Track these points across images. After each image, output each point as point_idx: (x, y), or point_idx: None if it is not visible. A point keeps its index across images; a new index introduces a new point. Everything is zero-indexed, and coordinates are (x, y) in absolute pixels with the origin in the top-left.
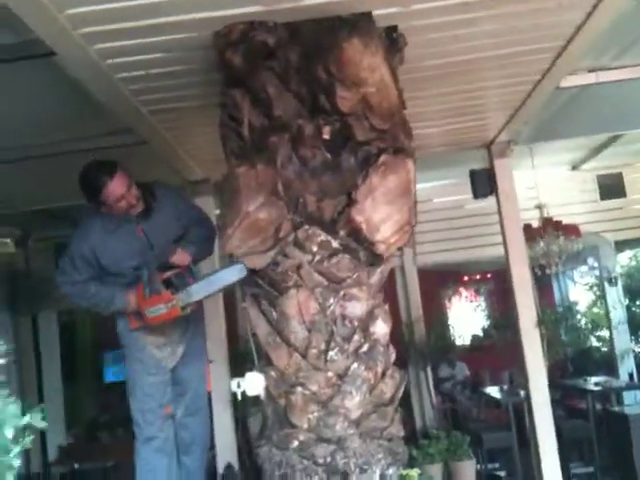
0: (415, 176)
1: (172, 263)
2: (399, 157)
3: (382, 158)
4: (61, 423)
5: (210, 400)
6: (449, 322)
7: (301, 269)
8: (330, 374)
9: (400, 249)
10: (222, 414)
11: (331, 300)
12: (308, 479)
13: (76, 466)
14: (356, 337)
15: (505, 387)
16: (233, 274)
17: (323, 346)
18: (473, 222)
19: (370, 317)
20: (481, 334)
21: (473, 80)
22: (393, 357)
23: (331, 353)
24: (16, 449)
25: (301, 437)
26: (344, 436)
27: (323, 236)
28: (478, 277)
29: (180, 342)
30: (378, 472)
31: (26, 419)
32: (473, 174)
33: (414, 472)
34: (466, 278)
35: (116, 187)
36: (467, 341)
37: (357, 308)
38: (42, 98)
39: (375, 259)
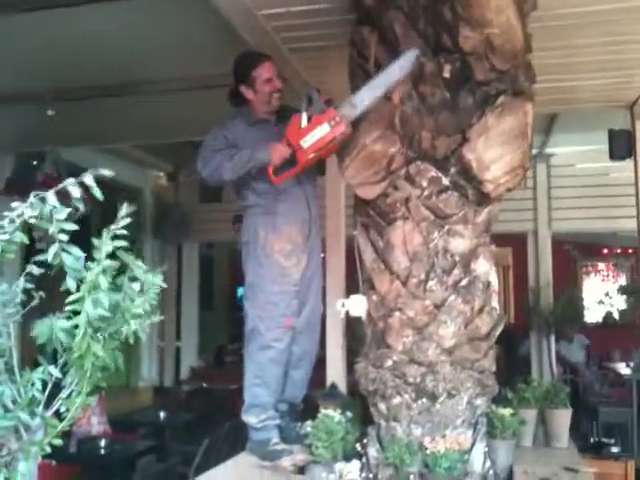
0: (533, 120)
1: None
2: (518, 99)
3: (500, 99)
4: (194, 347)
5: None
6: (580, 294)
7: (409, 202)
8: (427, 302)
9: (510, 190)
10: (333, 333)
11: (435, 234)
12: (398, 396)
13: (204, 385)
14: (456, 271)
15: (632, 364)
16: (399, 68)
17: (423, 276)
18: (618, 191)
19: (472, 254)
20: (615, 312)
21: (616, 33)
22: (495, 297)
23: (430, 283)
24: (140, 300)
25: (395, 358)
26: (435, 361)
27: (434, 172)
28: (619, 251)
29: (304, 250)
30: (465, 399)
31: (148, 276)
32: (611, 133)
33: (507, 411)
34: (605, 251)
35: (269, 68)
36: (599, 317)
37: (460, 244)
38: (194, 33)
39: (483, 198)
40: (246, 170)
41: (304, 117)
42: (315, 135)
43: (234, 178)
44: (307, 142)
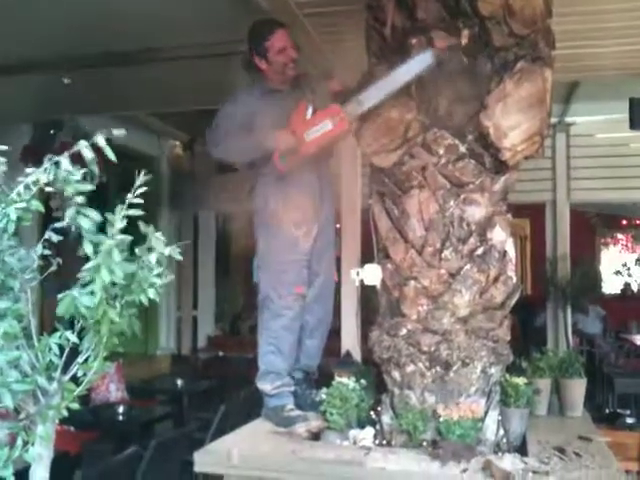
0: (552, 87)
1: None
2: (536, 65)
3: (519, 65)
4: (211, 316)
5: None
6: (598, 265)
7: (426, 170)
8: (442, 271)
9: (527, 158)
10: (347, 301)
11: (451, 202)
12: (412, 365)
13: (220, 354)
14: (472, 240)
15: None
16: (412, 68)
17: (438, 245)
18: (638, 162)
19: (489, 223)
20: (633, 283)
21: None
22: (511, 266)
23: (446, 252)
24: (157, 270)
25: (409, 326)
26: (450, 330)
27: (450, 140)
28: (638, 222)
29: (314, 220)
30: (480, 367)
31: (167, 250)
32: (633, 102)
33: (521, 380)
34: (624, 222)
35: (282, 37)
36: (617, 289)
37: (476, 212)
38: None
39: (500, 166)
40: (253, 157)
41: (309, 109)
42: (318, 131)
43: (242, 162)
44: (310, 136)
